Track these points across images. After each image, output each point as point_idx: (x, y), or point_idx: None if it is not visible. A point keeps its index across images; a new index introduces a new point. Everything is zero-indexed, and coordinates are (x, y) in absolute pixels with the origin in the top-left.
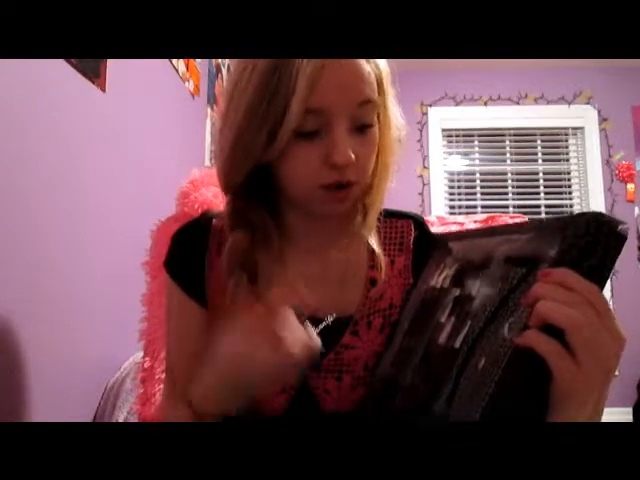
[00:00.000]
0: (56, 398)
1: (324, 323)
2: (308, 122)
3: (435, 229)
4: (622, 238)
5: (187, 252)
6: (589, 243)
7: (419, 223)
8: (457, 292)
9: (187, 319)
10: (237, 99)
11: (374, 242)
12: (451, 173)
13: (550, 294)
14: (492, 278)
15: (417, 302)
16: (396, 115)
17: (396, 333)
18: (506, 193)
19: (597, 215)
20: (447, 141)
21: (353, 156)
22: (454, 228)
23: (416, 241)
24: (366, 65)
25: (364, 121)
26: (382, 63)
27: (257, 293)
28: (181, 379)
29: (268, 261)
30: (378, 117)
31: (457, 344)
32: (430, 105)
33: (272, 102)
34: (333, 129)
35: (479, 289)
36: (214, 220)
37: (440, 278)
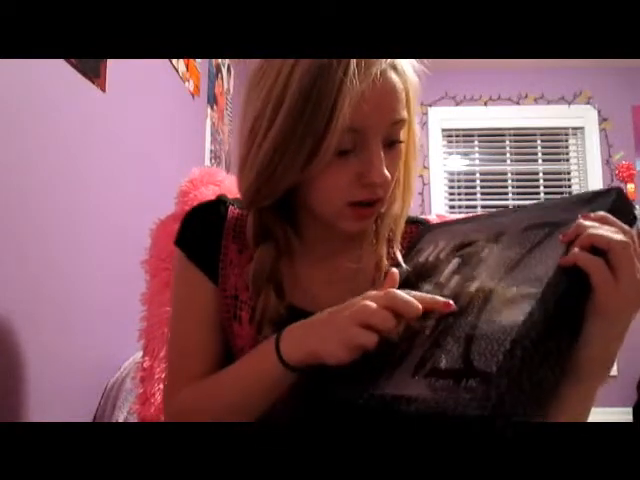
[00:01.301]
0: (56, 398)
1: None
2: (346, 140)
3: None
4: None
5: (203, 232)
6: (617, 209)
7: (422, 225)
8: (458, 260)
9: (204, 300)
10: (270, 115)
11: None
12: (451, 173)
13: (592, 226)
14: (507, 244)
15: (408, 272)
16: (418, 128)
17: None
18: (506, 193)
19: (618, 189)
20: (447, 141)
21: (388, 174)
22: None
23: None
24: (399, 82)
25: (395, 137)
26: (410, 76)
27: (284, 306)
28: (188, 366)
29: (290, 272)
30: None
31: (472, 288)
32: (430, 105)
33: (311, 122)
34: (370, 147)
35: (490, 253)
36: (230, 207)
37: (432, 254)
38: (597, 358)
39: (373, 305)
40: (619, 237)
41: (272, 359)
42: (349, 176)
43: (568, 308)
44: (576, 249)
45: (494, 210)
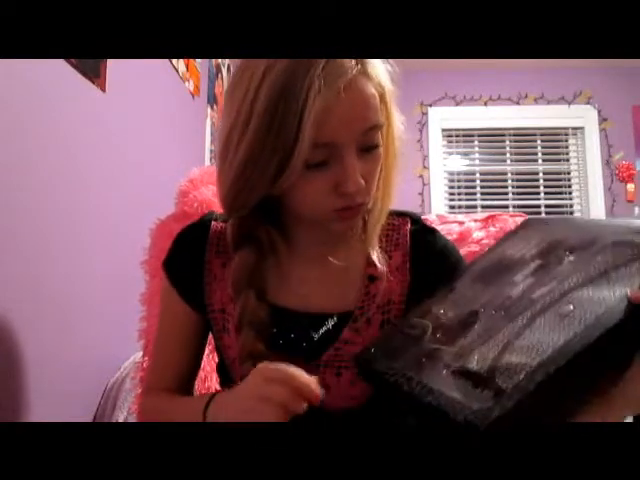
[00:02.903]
0: (56, 398)
1: (326, 325)
2: (317, 154)
3: (434, 227)
4: None
5: (185, 256)
6: None
7: (415, 220)
8: (539, 262)
9: (178, 321)
10: (240, 129)
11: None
12: (451, 173)
13: None
14: (592, 256)
15: (488, 262)
16: (399, 127)
17: (455, 282)
18: (506, 193)
19: None
20: (447, 141)
21: (363, 182)
22: (454, 227)
23: (413, 238)
24: (370, 88)
25: (370, 143)
26: (384, 79)
27: (264, 308)
28: (163, 374)
29: (278, 273)
30: (382, 133)
31: (535, 296)
32: (430, 105)
33: (278, 138)
34: (343, 159)
35: (572, 262)
36: (213, 223)
37: (521, 250)
38: (636, 397)
39: (281, 389)
40: None
41: (200, 419)
42: (326, 186)
43: (616, 343)
44: None
45: (597, 219)
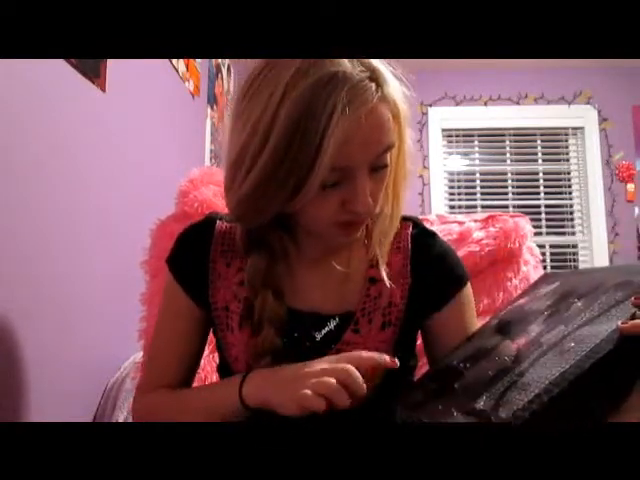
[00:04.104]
0: (56, 398)
1: (329, 326)
2: (332, 176)
3: (435, 228)
4: None
5: (190, 254)
6: None
7: (416, 224)
8: (551, 311)
9: (182, 316)
10: (257, 146)
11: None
12: (451, 173)
13: None
14: (595, 298)
15: (508, 315)
16: (410, 145)
17: (474, 338)
18: (506, 193)
19: None
20: (447, 141)
21: (371, 202)
22: (454, 227)
23: (413, 241)
24: (388, 112)
25: (381, 164)
26: (399, 99)
27: (283, 307)
28: (164, 371)
29: (289, 274)
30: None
31: (543, 339)
32: (430, 105)
33: (295, 162)
34: (356, 180)
35: (580, 307)
36: (218, 222)
37: (537, 303)
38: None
39: (332, 381)
40: None
41: (234, 397)
42: (334, 204)
43: (608, 373)
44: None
45: (605, 266)
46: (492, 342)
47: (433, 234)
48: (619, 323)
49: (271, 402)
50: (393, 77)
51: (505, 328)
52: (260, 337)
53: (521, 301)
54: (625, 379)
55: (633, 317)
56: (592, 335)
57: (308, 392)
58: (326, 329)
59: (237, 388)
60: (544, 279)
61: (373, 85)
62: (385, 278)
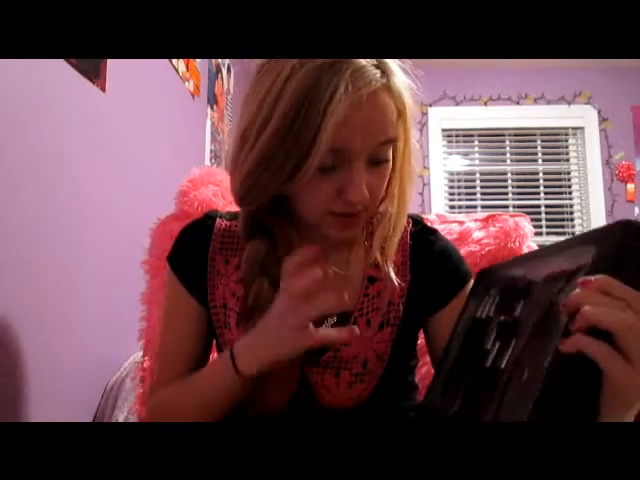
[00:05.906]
0: (56, 398)
1: (326, 324)
2: (329, 159)
3: (435, 227)
4: None
5: (190, 250)
6: (623, 249)
7: (416, 221)
8: (501, 317)
9: (186, 315)
10: (260, 124)
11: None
12: (451, 173)
13: (591, 299)
14: (535, 299)
15: (462, 334)
16: (415, 145)
17: (443, 365)
18: (506, 193)
19: (627, 222)
20: (447, 141)
21: (367, 193)
22: (454, 226)
23: (413, 238)
24: (391, 103)
25: (381, 157)
26: (406, 96)
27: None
28: (172, 370)
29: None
30: (395, 150)
31: (502, 364)
32: (430, 105)
33: (295, 142)
34: (352, 166)
35: (522, 311)
36: (217, 219)
37: (485, 308)
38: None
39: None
40: (624, 316)
41: (231, 376)
42: (329, 190)
43: (578, 397)
44: (577, 335)
45: (520, 256)
46: (457, 370)
47: (434, 231)
48: (558, 344)
49: (267, 353)
50: (401, 71)
51: (466, 349)
52: (250, 325)
53: (469, 309)
54: (590, 399)
55: (566, 330)
56: (543, 355)
57: (303, 306)
58: (323, 328)
59: (231, 367)
60: (481, 280)
61: (379, 72)
62: (393, 276)
